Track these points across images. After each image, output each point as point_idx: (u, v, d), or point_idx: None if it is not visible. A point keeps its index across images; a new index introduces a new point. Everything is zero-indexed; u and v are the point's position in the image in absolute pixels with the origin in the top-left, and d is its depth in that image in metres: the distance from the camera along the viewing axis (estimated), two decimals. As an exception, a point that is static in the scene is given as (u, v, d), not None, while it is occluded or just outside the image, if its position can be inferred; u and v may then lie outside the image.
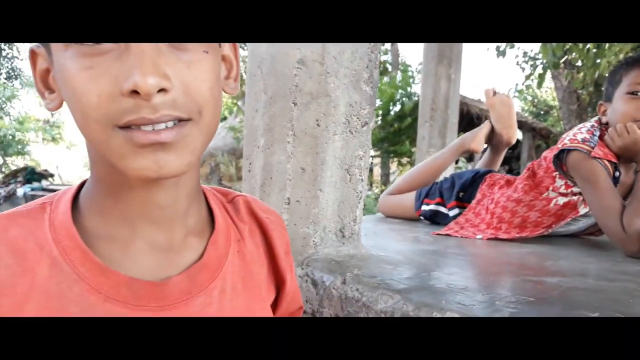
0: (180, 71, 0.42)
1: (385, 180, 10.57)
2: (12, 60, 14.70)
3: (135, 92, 0.40)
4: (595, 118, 1.62)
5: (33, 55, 0.49)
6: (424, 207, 2.08)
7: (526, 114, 13.46)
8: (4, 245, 0.45)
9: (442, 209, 2.01)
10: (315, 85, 1.01)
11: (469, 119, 8.09)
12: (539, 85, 4.93)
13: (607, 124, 1.56)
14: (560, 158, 1.55)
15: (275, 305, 0.60)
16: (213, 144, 11.55)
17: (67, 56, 0.42)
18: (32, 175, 6.67)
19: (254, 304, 0.54)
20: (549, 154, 1.64)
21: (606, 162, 1.45)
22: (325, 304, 0.95)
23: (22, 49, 14.62)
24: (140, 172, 0.42)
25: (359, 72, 1.05)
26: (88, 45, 0.41)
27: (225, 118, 13.05)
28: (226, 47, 0.53)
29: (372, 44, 1.06)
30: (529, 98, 15.52)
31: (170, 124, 0.42)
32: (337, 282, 0.94)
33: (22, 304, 0.43)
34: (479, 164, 2.34)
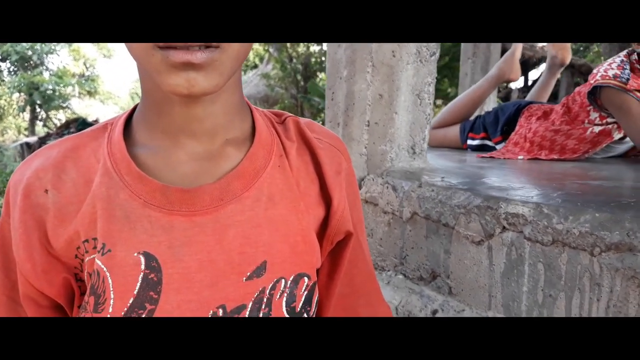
0: None
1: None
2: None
3: None
4: (624, 52, 1.73)
5: None
6: (470, 142, 2.23)
7: (564, 51, 13.01)
8: (71, 161, 0.52)
9: (489, 143, 2.17)
10: (391, 21, 1.18)
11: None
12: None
13: None
14: (594, 93, 1.69)
15: (325, 225, 0.60)
16: (246, 92, 11.71)
17: None
18: (83, 125, 7.07)
19: (290, 214, 0.55)
20: (583, 89, 1.78)
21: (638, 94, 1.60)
22: (405, 204, 1.16)
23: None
24: (174, 88, 0.45)
25: (428, 8, 1.21)
26: None
27: (256, 66, 13.07)
28: None
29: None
30: (568, 34, 14.88)
31: (203, 47, 0.45)
32: (414, 186, 1.15)
33: (80, 205, 0.51)
34: (535, 88, 2.47)
